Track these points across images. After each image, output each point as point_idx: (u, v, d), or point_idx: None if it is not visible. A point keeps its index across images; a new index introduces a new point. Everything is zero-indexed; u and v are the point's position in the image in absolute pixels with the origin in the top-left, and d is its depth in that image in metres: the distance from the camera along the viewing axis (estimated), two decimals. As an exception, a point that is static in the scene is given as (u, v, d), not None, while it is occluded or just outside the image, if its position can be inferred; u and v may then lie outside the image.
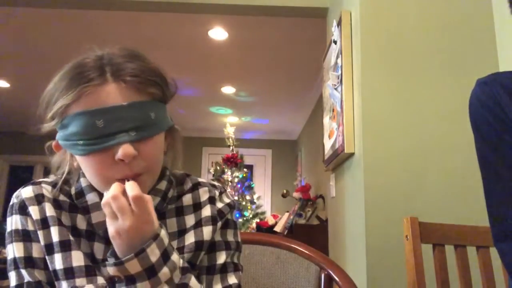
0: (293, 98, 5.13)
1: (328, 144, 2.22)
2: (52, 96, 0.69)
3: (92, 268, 0.71)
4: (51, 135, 0.73)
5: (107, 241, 0.73)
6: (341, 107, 1.89)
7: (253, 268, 1.10)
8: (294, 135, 6.78)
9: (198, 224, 0.78)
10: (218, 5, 2.55)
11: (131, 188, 0.64)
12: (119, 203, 0.63)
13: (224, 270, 0.77)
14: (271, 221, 4.51)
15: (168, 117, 0.76)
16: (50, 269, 0.70)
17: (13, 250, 0.70)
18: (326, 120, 2.31)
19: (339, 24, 1.99)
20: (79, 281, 0.69)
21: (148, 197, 0.65)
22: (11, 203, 0.74)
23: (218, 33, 3.54)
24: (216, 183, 0.85)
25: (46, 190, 0.74)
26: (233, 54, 3.96)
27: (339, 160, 2.00)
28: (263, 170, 6.90)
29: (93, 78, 0.67)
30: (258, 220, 4.88)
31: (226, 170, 5.15)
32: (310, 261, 1.08)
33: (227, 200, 0.82)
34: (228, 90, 4.92)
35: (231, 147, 5.30)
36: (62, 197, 0.75)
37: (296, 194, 4.45)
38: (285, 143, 6.95)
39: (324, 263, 1.07)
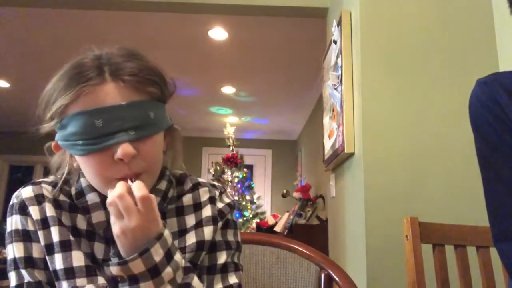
0: (293, 98, 5.13)
1: (328, 144, 2.22)
2: (51, 96, 0.69)
3: (92, 268, 0.71)
4: (51, 135, 0.73)
5: (107, 241, 0.73)
6: (341, 107, 1.89)
7: (253, 268, 1.10)
8: (294, 135, 6.78)
9: (199, 224, 0.78)
10: (218, 5, 2.55)
11: (138, 188, 0.64)
12: (125, 202, 0.63)
13: (225, 270, 0.77)
14: (271, 221, 4.51)
15: (167, 117, 0.76)
16: (51, 269, 0.70)
17: (13, 250, 0.70)
18: (326, 120, 2.31)
19: (339, 24, 1.99)
20: (80, 281, 0.69)
21: (153, 197, 0.65)
22: (11, 203, 0.74)
23: (218, 33, 3.54)
24: (216, 183, 0.85)
25: (46, 190, 0.74)
26: (233, 54, 3.96)
27: (339, 160, 2.00)
28: (263, 170, 6.90)
29: (92, 78, 0.67)
30: (258, 220, 4.88)
31: (226, 170, 5.15)
32: (310, 261, 1.08)
33: (227, 200, 0.82)
34: (228, 90, 4.92)
35: (231, 147, 5.30)
36: (62, 197, 0.75)
37: (296, 194, 4.45)
38: (285, 143, 6.95)
39: (324, 263, 1.07)
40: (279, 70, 4.30)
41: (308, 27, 3.29)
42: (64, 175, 0.75)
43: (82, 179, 0.75)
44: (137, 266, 0.63)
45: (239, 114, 5.86)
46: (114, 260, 0.64)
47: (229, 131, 5.32)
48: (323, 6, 2.53)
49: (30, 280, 0.68)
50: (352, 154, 1.81)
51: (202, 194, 0.81)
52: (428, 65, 1.74)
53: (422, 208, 1.60)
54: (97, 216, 0.73)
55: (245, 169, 5.25)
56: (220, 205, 0.81)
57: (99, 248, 0.73)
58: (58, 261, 0.70)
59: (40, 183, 0.75)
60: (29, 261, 0.70)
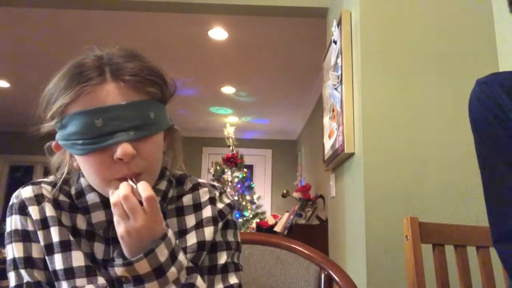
0: (293, 98, 5.13)
1: (328, 144, 2.22)
2: (51, 96, 0.70)
3: (92, 268, 0.71)
4: (51, 135, 0.73)
5: (107, 241, 0.73)
6: (341, 107, 1.89)
7: (253, 268, 1.10)
8: (294, 135, 6.78)
9: (199, 225, 0.78)
10: (218, 5, 2.55)
11: (144, 188, 0.65)
12: (130, 203, 0.63)
13: (225, 270, 0.77)
14: (271, 221, 4.51)
15: (167, 117, 0.76)
16: (50, 269, 0.70)
17: (13, 250, 0.70)
18: (326, 120, 2.31)
19: (339, 24, 1.99)
20: (80, 281, 0.69)
21: (156, 197, 0.65)
22: (10, 203, 0.74)
23: (218, 33, 3.54)
24: (216, 183, 0.85)
25: (46, 190, 0.74)
26: (233, 54, 3.96)
27: (339, 160, 2.00)
28: (263, 170, 6.90)
29: (92, 78, 0.67)
30: (258, 220, 4.88)
31: (226, 170, 5.14)
32: (310, 261, 1.08)
33: (227, 201, 0.82)
34: (228, 90, 4.92)
35: (231, 147, 5.30)
36: (62, 197, 0.75)
37: (296, 194, 4.45)
38: (285, 143, 6.95)
39: (324, 263, 1.07)
40: (279, 70, 4.30)
41: (308, 27, 3.29)
42: (64, 175, 0.75)
43: (82, 179, 0.75)
44: (143, 267, 0.63)
45: (239, 114, 5.86)
46: (118, 260, 0.64)
47: (229, 131, 5.32)
48: (323, 6, 2.53)
49: (30, 280, 0.68)
50: (352, 154, 1.81)
51: (202, 194, 0.81)
52: (428, 65, 1.74)
53: (422, 208, 1.60)
54: (97, 216, 0.73)
55: (245, 169, 5.24)
56: (220, 205, 0.81)
57: (99, 248, 0.73)
58: (57, 261, 0.70)
59: (39, 183, 0.75)
60: (28, 261, 0.70)
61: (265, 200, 6.57)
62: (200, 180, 0.84)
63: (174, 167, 0.82)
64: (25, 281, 0.68)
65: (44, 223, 0.71)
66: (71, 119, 0.67)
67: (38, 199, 0.73)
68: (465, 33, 1.77)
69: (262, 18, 3.14)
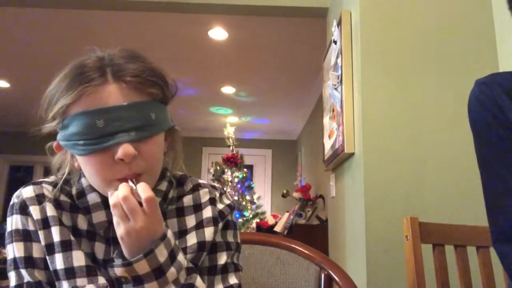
0: (293, 98, 5.13)
1: (328, 144, 2.22)
2: (53, 96, 0.70)
3: (93, 268, 0.71)
4: (52, 135, 0.73)
5: (107, 241, 0.74)
6: (341, 107, 1.89)
7: (253, 268, 1.10)
8: (294, 135, 6.78)
9: (200, 225, 0.78)
10: (218, 5, 2.55)
11: (143, 189, 0.65)
12: (130, 204, 0.63)
13: (225, 270, 0.77)
14: (271, 221, 4.51)
15: (168, 118, 0.76)
16: (51, 269, 0.70)
17: (13, 250, 0.71)
18: (326, 120, 2.31)
19: (339, 24, 1.99)
20: (80, 281, 0.69)
21: (156, 198, 0.66)
22: (11, 202, 0.74)
23: (218, 33, 3.54)
24: (216, 184, 0.86)
25: (47, 190, 0.75)
26: (233, 54, 3.96)
27: (339, 160, 2.00)
28: (263, 170, 6.90)
29: (94, 79, 0.68)
30: (258, 220, 4.88)
31: (226, 170, 5.14)
32: (310, 261, 1.08)
33: (227, 201, 0.82)
34: (228, 90, 4.92)
35: (231, 147, 5.30)
36: (62, 197, 0.75)
37: (296, 194, 4.45)
38: (285, 143, 6.95)
39: (324, 263, 1.07)
40: (279, 70, 4.30)
41: (308, 27, 3.29)
42: (65, 175, 0.75)
43: (83, 179, 0.75)
44: (142, 267, 0.63)
45: (239, 114, 5.86)
46: (118, 261, 0.64)
47: (229, 131, 5.32)
48: (323, 6, 2.53)
49: (30, 280, 0.69)
50: (352, 154, 1.81)
51: (203, 195, 0.81)
52: (428, 65, 1.75)
53: (422, 208, 1.60)
54: (98, 216, 0.73)
55: (245, 169, 5.24)
56: (220, 206, 0.81)
57: (99, 248, 0.73)
58: (58, 261, 0.70)
59: (40, 183, 0.76)
60: (29, 261, 0.70)
61: (265, 200, 6.57)
62: (200, 181, 0.84)
63: (174, 167, 0.82)
64: (25, 281, 0.68)
65: (45, 223, 0.71)
66: (73, 120, 0.67)
67: (39, 199, 0.73)
68: (465, 33, 1.77)
69: (262, 18, 3.15)
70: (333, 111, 2.11)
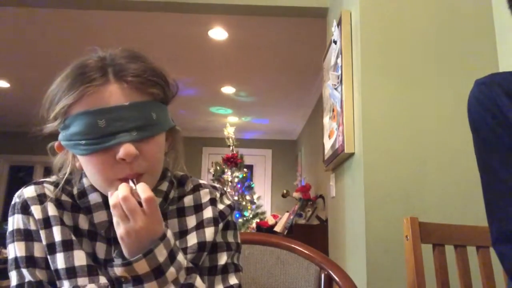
0: (293, 98, 5.13)
1: (328, 144, 2.22)
2: (54, 96, 0.70)
3: (94, 268, 0.71)
4: (53, 135, 0.73)
5: (108, 241, 0.74)
6: (341, 107, 1.89)
7: (253, 268, 1.10)
8: (294, 135, 6.78)
9: (200, 226, 0.78)
10: (218, 5, 2.55)
11: (143, 189, 0.65)
12: (130, 204, 0.64)
13: (225, 270, 0.77)
14: (271, 221, 4.51)
15: (169, 118, 0.76)
16: (52, 268, 0.70)
17: (15, 250, 0.71)
18: (326, 120, 2.31)
19: (339, 24, 1.99)
20: (81, 280, 0.69)
21: (155, 198, 0.66)
22: (13, 202, 0.74)
23: (218, 33, 3.54)
24: (216, 184, 0.86)
25: (48, 190, 0.75)
26: (233, 54, 3.96)
27: (339, 160, 2.00)
28: (263, 170, 6.90)
29: (96, 79, 0.68)
30: (258, 220, 4.88)
31: (226, 170, 5.14)
32: (310, 261, 1.09)
33: (227, 202, 0.83)
34: (228, 90, 4.92)
35: (231, 147, 5.30)
36: (64, 197, 0.75)
37: (296, 194, 4.45)
38: (285, 143, 6.95)
39: (324, 263, 1.07)
40: (279, 70, 4.30)
41: (308, 27, 3.29)
42: (66, 175, 0.76)
43: (84, 179, 0.75)
44: (142, 267, 0.63)
45: (239, 114, 5.86)
46: (118, 261, 0.65)
47: (229, 131, 5.32)
48: (323, 6, 2.53)
49: (31, 279, 0.69)
50: (352, 154, 1.82)
51: (203, 195, 0.81)
52: (427, 65, 1.75)
53: (422, 208, 1.60)
54: (99, 216, 0.73)
55: (245, 169, 5.24)
56: (221, 206, 0.81)
57: (100, 248, 0.73)
58: (59, 261, 0.70)
59: (42, 182, 0.76)
60: (30, 261, 0.70)
61: (265, 200, 6.57)
62: (201, 181, 0.84)
63: (175, 168, 0.82)
64: (26, 280, 0.69)
65: (46, 223, 0.72)
66: (74, 120, 0.67)
67: (41, 198, 0.73)
68: (465, 33, 1.77)
69: (262, 18, 3.15)
70: (333, 111, 2.11)
